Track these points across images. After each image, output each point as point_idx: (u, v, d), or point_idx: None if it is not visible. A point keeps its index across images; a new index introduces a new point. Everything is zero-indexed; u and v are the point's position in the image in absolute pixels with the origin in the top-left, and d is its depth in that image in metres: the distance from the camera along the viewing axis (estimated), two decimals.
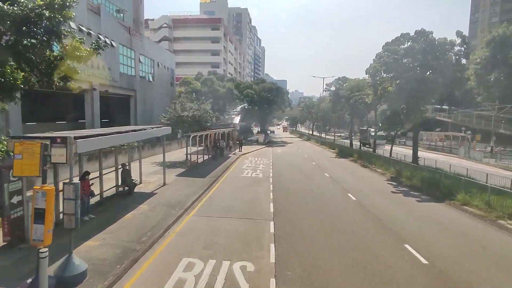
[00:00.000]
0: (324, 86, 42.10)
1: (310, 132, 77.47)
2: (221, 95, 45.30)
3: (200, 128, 24.01)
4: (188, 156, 20.48)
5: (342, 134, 71.08)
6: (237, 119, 60.36)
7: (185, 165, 20.35)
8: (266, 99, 51.87)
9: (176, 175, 17.78)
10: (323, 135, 60.11)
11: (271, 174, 20.01)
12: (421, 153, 25.11)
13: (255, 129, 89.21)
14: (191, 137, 19.68)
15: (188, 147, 20.69)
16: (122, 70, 29.90)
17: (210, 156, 25.24)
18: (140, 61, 34.06)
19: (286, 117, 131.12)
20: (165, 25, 76.93)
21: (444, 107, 49.15)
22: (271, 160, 27.72)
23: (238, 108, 58.42)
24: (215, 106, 55.25)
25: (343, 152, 33.96)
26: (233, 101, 51.13)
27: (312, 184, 17.47)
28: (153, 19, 78.27)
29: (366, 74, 22.38)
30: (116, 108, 33.53)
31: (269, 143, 50.39)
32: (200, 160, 22.98)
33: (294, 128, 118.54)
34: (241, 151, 34.43)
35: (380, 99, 23.96)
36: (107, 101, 31.32)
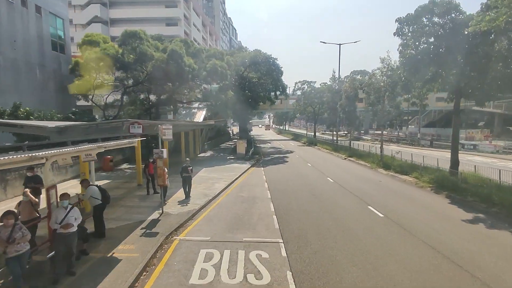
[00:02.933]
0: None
1: (311, 133, 56.29)
2: (160, 66, 22.67)
3: None
4: None
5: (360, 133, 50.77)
6: (201, 115, 37.72)
7: None
8: (248, 79, 29.86)
9: None
10: (339, 138, 38.01)
11: None
12: None
13: (232, 127, 67.66)
14: None
15: None
16: None
17: None
18: None
19: (270, 114, 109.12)
20: None
21: None
22: None
23: (199, 99, 35.50)
24: (162, 94, 32.25)
25: None
26: (191, 82, 28.53)
27: None
28: None
29: None
30: None
31: (255, 156, 28.55)
32: None
33: (282, 127, 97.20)
34: (187, 202, 12.27)
35: None
36: None
